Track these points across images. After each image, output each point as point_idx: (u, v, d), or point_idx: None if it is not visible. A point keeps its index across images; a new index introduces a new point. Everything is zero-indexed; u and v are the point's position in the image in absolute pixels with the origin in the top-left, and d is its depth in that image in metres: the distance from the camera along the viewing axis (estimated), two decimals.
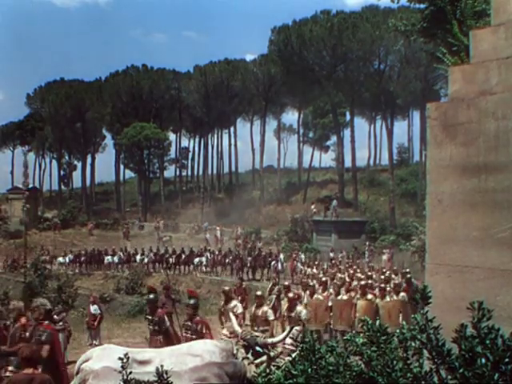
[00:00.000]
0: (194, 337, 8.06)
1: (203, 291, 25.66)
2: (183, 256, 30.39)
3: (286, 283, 13.87)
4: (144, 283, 26.83)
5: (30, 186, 49.60)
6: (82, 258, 33.41)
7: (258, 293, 11.28)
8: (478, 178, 3.26)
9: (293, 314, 10.14)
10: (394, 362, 2.08)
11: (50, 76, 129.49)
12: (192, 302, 9.02)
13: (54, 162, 62.30)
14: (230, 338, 7.38)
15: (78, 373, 5.71)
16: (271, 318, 10.31)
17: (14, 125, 60.92)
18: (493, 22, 3.62)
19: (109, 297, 24.45)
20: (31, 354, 5.41)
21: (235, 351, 5.88)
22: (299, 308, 10.26)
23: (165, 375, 2.47)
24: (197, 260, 29.65)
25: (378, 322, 2.31)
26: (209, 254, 30.19)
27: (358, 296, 11.85)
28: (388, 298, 11.52)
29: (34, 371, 5.34)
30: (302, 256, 28.34)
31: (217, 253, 30.54)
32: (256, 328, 9.83)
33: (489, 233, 3.19)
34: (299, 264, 26.26)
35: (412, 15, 16.86)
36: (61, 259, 33.22)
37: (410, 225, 31.29)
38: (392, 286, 13.05)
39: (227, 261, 29.18)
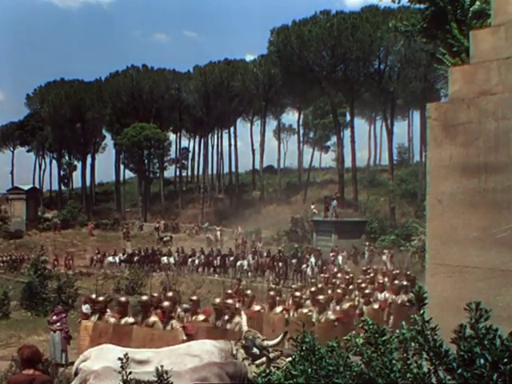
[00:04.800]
0: None
1: (203, 291, 25.64)
2: (231, 258, 28.54)
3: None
4: (144, 283, 26.85)
5: (30, 186, 49.69)
6: (135, 258, 32.33)
7: None
8: (478, 178, 3.26)
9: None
10: (393, 363, 2.08)
11: (49, 76, 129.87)
12: None
13: (54, 162, 62.51)
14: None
15: (76, 373, 5.70)
16: None
17: (14, 125, 61.04)
18: (493, 22, 3.62)
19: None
20: (32, 354, 5.39)
21: (235, 352, 5.88)
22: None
23: (165, 375, 2.48)
24: (239, 263, 27.83)
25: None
26: (251, 257, 27.96)
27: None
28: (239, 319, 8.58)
29: (35, 372, 5.32)
30: (340, 258, 26.13)
31: (265, 254, 28.23)
32: None
33: (489, 233, 3.19)
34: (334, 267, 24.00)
35: (412, 15, 16.85)
36: (110, 258, 32.78)
37: (410, 225, 31.23)
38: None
39: (275, 263, 26.68)
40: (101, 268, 32.55)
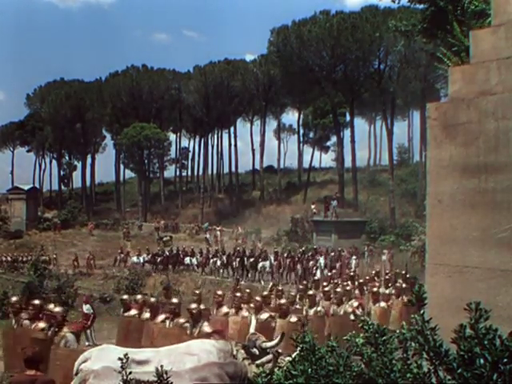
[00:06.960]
0: None
1: (203, 291, 25.60)
2: (251, 259, 27.51)
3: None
4: (144, 283, 26.84)
5: (30, 186, 49.68)
6: (159, 259, 31.88)
7: None
8: (478, 178, 3.26)
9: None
10: (393, 363, 2.08)
11: (49, 76, 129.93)
12: None
13: (54, 162, 62.54)
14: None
15: (76, 373, 5.69)
16: None
17: (14, 125, 61.04)
18: (493, 22, 3.62)
19: (109, 297, 24.37)
20: (33, 355, 5.38)
21: (235, 352, 5.88)
22: None
23: (165, 375, 2.48)
24: (260, 265, 26.53)
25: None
26: (273, 258, 26.81)
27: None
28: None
29: (37, 372, 5.32)
30: (353, 261, 25.66)
31: (285, 255, 27.20)
32: None
33: (489, 233, 3.19)
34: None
35: (412, 15, 16.85)
36: (135, 258, 32.62)
37: (410, 225, 31.25)
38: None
39: (295, 265, 25.88)
40: (124, 268, 32.43)
